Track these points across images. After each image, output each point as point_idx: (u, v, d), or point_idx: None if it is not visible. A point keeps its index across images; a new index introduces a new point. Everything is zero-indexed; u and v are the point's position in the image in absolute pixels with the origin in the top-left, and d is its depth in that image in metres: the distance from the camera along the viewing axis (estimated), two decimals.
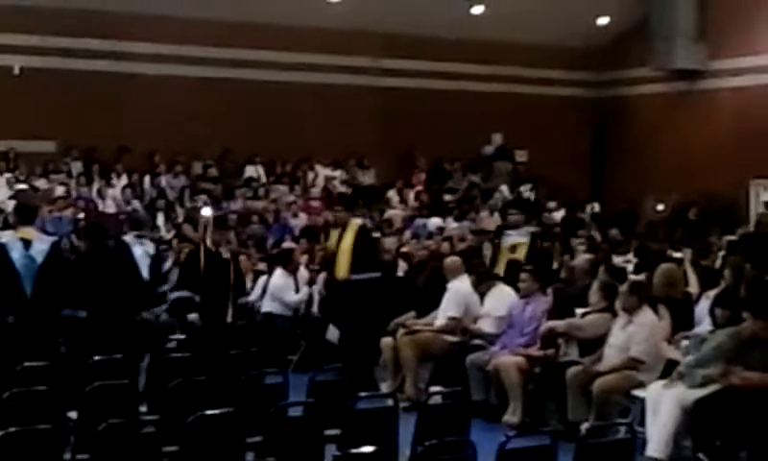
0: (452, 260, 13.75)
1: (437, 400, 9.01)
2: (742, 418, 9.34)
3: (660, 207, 25.51)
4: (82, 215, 18.78)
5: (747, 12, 25.79)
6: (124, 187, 21.81)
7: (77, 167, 22.17)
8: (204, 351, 10.86)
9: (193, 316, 12.51)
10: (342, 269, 13.63)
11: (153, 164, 22.95)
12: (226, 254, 12.92)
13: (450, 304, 13.00)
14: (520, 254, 14.26)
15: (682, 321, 11.67)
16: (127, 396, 8.50)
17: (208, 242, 12.75)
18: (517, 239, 14.49)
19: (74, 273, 11.99)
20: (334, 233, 14.10)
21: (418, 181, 25.44)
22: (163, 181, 22.53)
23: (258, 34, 24.02)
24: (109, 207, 21.03)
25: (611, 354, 10.99)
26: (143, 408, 8.88)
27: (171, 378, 8.56)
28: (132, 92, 22.86)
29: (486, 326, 12.80)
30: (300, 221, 21.46)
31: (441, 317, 13.10)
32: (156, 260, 14.95)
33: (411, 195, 24.56)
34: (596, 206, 25.32)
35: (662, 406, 10.06)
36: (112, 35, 22.79)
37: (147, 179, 22.60)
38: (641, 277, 13.08)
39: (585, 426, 9.68)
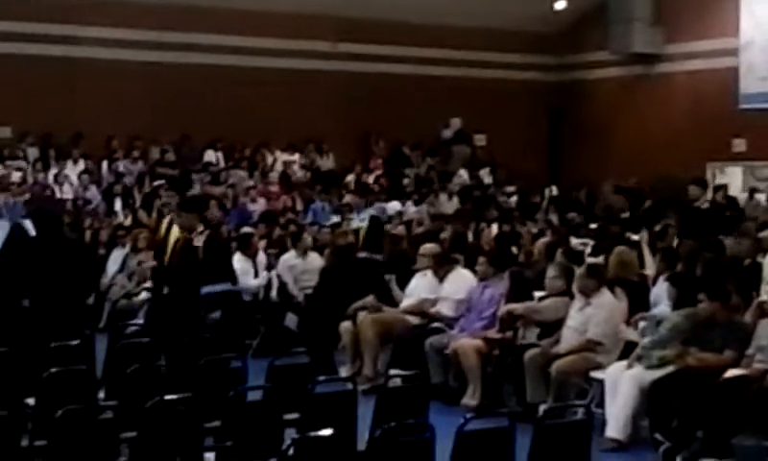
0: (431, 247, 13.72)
1: (396, 382, 9.03)
2: (698, 398, 9.42)
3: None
4: (27, 196, 18.67)
5: None
6: (81, 173, 21.67)
7: (33, 153, 22.03)
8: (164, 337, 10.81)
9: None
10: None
11: (110, 149, 22.82)
12: (197, 241, 12.56)
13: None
14: None
15: (638, 303, 11.75)
16: (84, 382, 8.45)
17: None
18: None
19: (23, 259, 11.88)
20: None
21: (376, 165, 25.44)
22: (121, 166, 22.41)
23: (217, 18, 23.92)
24: (66, 193, 20.92)
25: (568, 337, 11.05)
26: (101, 394, 8.84)
27: (129, 364, 8.52)
28: (89, 77, 22.72)
29: (445, 309, 12.83)
30: (259, 206, 21.43)
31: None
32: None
33: (370, 179, 24.56)
34: (554, 190, 25.43)
35: (621, 387, 10.14)
36: (68, 19, 22.66)
37: (104, 164, 22.47)
38: (599, 259, 13.16)
39: (543, 408, 9.73)
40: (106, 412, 7.36)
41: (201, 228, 12.28)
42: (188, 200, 13.60)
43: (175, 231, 12.32)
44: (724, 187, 22.45)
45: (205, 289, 11.97)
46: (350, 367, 12.83)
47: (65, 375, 8.32)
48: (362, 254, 14.14)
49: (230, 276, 12.59)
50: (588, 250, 15.04)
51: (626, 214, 19.28)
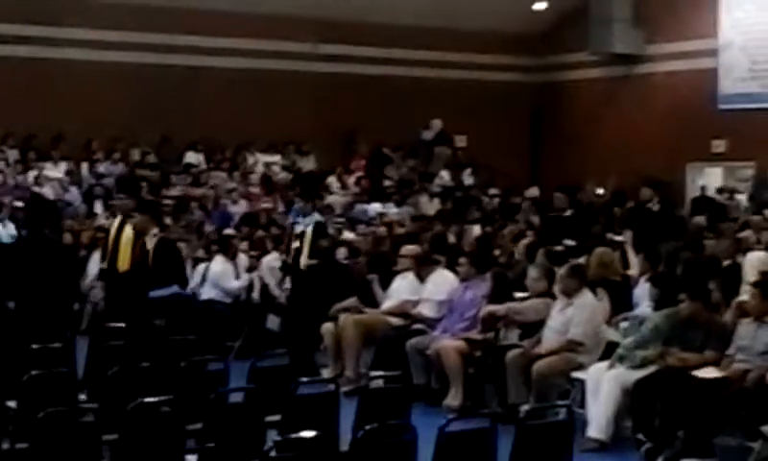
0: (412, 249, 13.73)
1: (378, 384, 9.05)
2: (679, 398, 9.45)
3: (600, 191, 25.70)
4: (20, 204, 18.61)
5: None
6: (62, 175, 21.59)
7: (13, 155, 21.93)
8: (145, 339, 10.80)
9: None
10: None
11: (90, 151, 22.76)
12: (149, 243, 12.41)
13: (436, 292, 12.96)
14: None
15: (620, 303, 11.78)
16: (66, 384, 8.43)
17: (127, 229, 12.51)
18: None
19: (9, 261, 11.87)
20: None
21: (357, 166, 25.43)
22: (101, 168, 22.35)
23: (197, 19, 23.89)
24: (47, 195, 20.83)
25: (550, 337, 11.07)
26: (83, 396, 8.82)
27: (110, 366, 8.49)
28: (69, 79, 22.67)
29: (426, 310, 12.84)
30: (240, 208, 21.40)
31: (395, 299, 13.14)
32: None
33: (351, 181, 24.55)
34: (535, 191, 25.46)
35: (603, 388, 10.16)
36: (48, 21, 22.58)
37: (84, 166, 22.40)
38: (580, 260, 13.18)
39: (524, 409, 9.75)
40: (87, 414, 7.34)
41: (155, 230, 12.31)
42: (144, 201, 13.60)
43: (127, 233, 12.38)
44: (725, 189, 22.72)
45: (153, 293, 11.99)
46: (332, 368, 12.83)
47: (47, 377, 8.30)
48: (309, 262, 14.11)
49: (180, 279, 12.48)
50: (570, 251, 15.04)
51: (567, 213, 19.21)
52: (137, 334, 10.53)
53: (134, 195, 13.90)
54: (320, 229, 14.62)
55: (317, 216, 14.88)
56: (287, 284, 14.67)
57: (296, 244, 14.44)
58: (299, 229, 14.34)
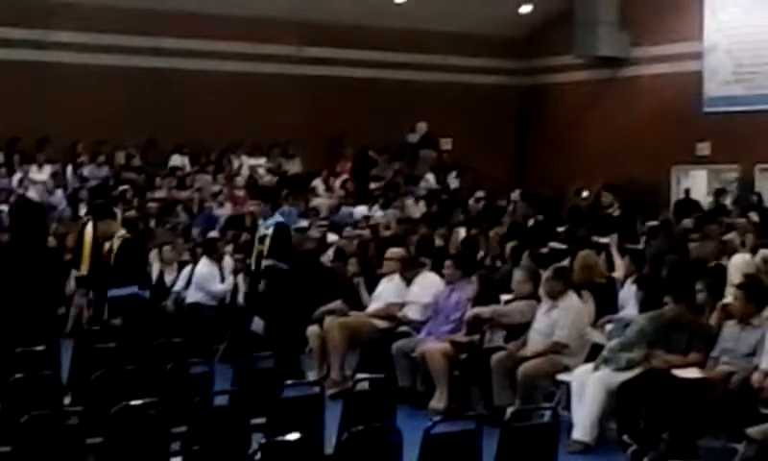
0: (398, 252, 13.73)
1: (363, 386, 9.03)
2: (664, 400, 9.47)
3: (585, 194, 25.74)
4: (5, 208, 18.57)
5: (667, 0, 26.12)
6: (50, 177, 21.56)
7: None
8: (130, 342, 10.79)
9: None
10: None
11: (75, 154, 22.71)
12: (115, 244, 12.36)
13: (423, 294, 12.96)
14: None
15: (605, 305, 11.81)
16: (50, 387, 8.40)
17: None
18: None
19: None
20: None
21: (343, 169, 25.43)
22: (86, 171, 22.30)
23: (182, 22, 23.86)
24: (32, 198, 20.77)
25: (535, 339, 11.08)
26: (67, 400, 8.79)
27: (95, 369, 8.47)
28: (54, 81, 22.62)
29: (411, 313, 12.84)
30: (226, 210, 21.37)
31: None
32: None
33: (337, 183, 24.55)
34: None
35: (588, 390, 10.18)
36: (33, 23, 22.54)
37: (69, 169, 22.36)
38: (564, 262, 13.20)
39: (510, 411, 9.74)
40: (71, 418, 7.31)
41: (121, 232, 12.33)
42: (96, 207, 13.65)
43: (87, 238, 12.54)
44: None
45: (111, 292, 12.00)
46: (318, 371, 12.82)
47: (31, 380, 8.27)
48: (267, 262, 14.07)
49: (140, 280, 12.44)
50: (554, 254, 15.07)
51: (531, 221, 19.26)
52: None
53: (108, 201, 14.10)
54: (281, 231, 14.59)
55: (278, 218, 14.86)
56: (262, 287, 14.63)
57: (259, 247, 14.42)
58: (261, 231, 14.33)
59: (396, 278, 13.19)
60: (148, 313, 12.22)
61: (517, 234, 16.50)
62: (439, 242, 16.98)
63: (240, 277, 15.41)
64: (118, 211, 14.69)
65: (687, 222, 18.95)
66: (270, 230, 13.98)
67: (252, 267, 13.81)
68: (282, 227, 14.57)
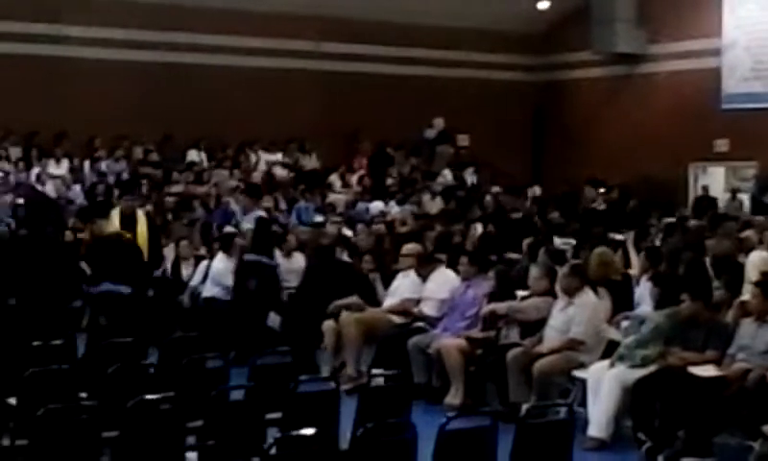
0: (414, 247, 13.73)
1: (378, 382, 9.03)
2: (680, 397, 9.45)
3: (602, 190, 25.70)
4: (21, 201, 18.64)
5: None
6: (64, 172, 21.60)
7: (15, 152, 21.93)
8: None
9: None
10: None
11: (93, 149, 22.76)
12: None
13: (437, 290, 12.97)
14: None
15: (621, 302, 11.78)
16: (66, 381, 8.43)
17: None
18: None
19: (10, 258, 11.88)
20: None
21: (360, 165, 25.43)
22: (103, 165, 22.35)
23: (200, 17, 23.89)
24: (49, 193, 20.84)
25: (551, 336, 11.07)
26: (83, 393, 8.82)
27: (111, 363, 8.50)
28: (72, 76, 22.67)
29: (427, 309, 12.84)
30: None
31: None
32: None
33: (353, 179, 24.55)
34: (537, 190, 25.46)
35: (603, 387, 10.16)
36: (51, 18, 22.60)
37: (87, 163, 22.41)
38: (580, 259, 13.17)
39: (525, 407, 9.74)
40: (87, 411, 7.34)
41: (112, 229, 12.37)
42: (85, 209, 13.77)
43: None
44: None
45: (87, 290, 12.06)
46: (331, 365, 12.82)
47: (47, 374, 8.31)
48: (249, 257, 14.07)
49: (115, 276, 12.34)
50: (571, 250, 15.04)
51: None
52: None
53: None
54: (262, 226, 14.60)
55: (259, 213, 14.87)
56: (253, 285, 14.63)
57: (241, 242, 14.43)
58: (243, 227, 14.33)
59: (412, 273, 13.19)
60: (130, 309, 12.02)
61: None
62: (456, 238, 16.97)
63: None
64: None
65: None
66: (251, 225, 14.00)
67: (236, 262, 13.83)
68: (263, 221, 14.57)
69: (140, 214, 13.68)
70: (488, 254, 14.10)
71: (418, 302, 12.97)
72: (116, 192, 18.21)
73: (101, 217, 12.72)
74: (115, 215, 13.16)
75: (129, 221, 13.17)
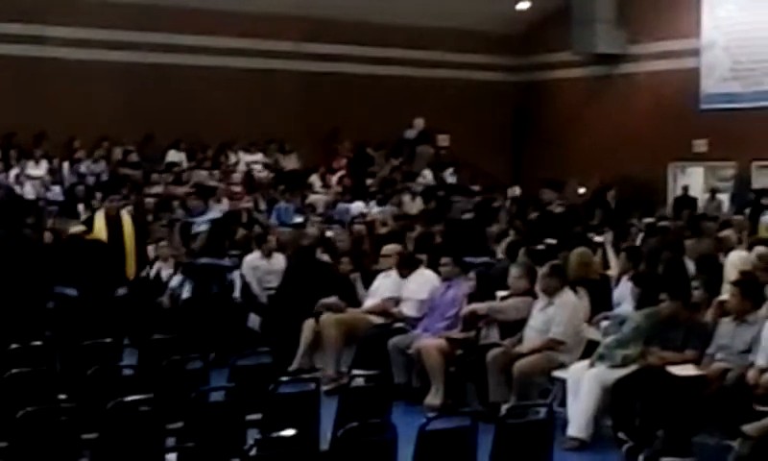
0: (394, 248, 13.73)
1: (359, 382, 9.03)
2: (659, 397, 9.47)
3: (581, 191, 25.76)
4: None
5: None
6: (43, 173, 21.54)
7: None
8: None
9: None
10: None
11: (72, 150, 22.70)
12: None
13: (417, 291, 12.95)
14: None
15: (599, 302, 11.80)
16: (45, 383, 8.40)
17: None
18: None
19: None
20: None
21: (340, 165, 25.42)
22: (83, 166, 22.29)
23: (179, 18, 23.86)
24: (28, 194, 20.78)
25: (531, 336, 11.08)
26: (62, 395, 8.78)
27: (90, 365, 8.47)
28: (52, 77, 22.61)
29: (407, 309, 12.84)
30: (223, 206, 21.33)
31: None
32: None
33: (333, 180, 24.54)
34: (517, 190, 25.49)
35: (583, 387, 10.18)
36: (31, 19, 22.53)
37: (66, 164, 22.34)
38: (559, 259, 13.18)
39: (505, 407, 9.75)
40: (66, 413, 7.32)
41: (75, 230, 12.30)
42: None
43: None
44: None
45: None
46: (299, 361, 12.80)
47: (26, 376, 8.27)
48: (203, 260, 14.03)
49: (67, 279, 12.20)
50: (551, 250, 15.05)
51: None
52: None
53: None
54: (217, 226, 14.56)
55: (214, 214, 14.82)
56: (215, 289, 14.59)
57: (195, 243, 14.40)
58: (196, 228, 14.29)
59: (393, 274, 13.19)
60: (79, 312, 11.87)
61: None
62: (437, 238, 16.95)
63: (236, 272, 15.40)
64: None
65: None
66: (204, 227, 13.94)
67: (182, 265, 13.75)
68: (219, 222, 14.51)
69: (125, 215, 13.54)
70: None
71: (398, 302, 12.98)
72: (98, 194, 18.17)
73: (69, 217, 12.66)
74: (100, 217, 13.05)
75: (114, 223, 13.04)
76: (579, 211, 18.76)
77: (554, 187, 16.86)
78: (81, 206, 20.35)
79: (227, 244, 15.27)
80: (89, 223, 13.02)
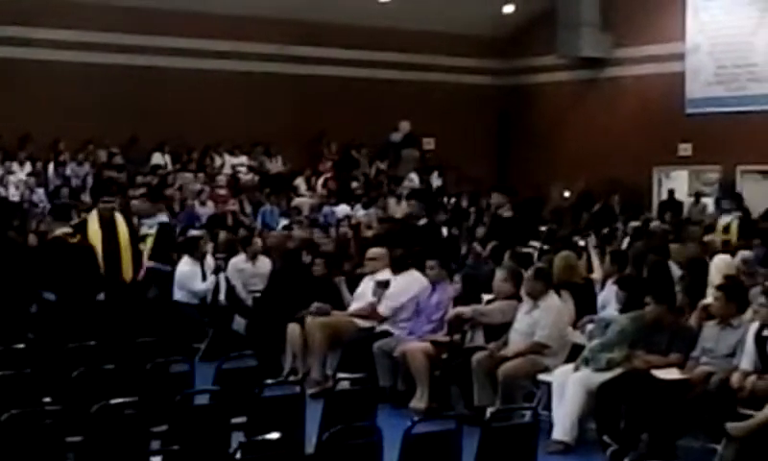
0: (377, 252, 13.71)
1: (344, 386, 9.02)
2: (644, 401, 9.49)
3: (567, 194, 25.82)
4: None
5: (649, 1, 26.19)
6: (27, 175, 21.50)
7: None
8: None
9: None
10: None
11: (57, 152, 22.65)
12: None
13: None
14: None
15: (584, 306, 11.82)
16: (30, 385, 8.37)
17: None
18: None
19: None
20: None
21: (325, 168, 25.42)
22: (68, 169, 22.24)
23: (165, 20, 23.84)
24: (12, 196, 20.73)
25: (516, 340, 11.09)
26: (47, 398, 8.76)
27: (75, 368, 8.45)
28: (36, 79, 22.58)
29: (383, 308, 12.79)
30: (208, 209, 21.34)
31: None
32: None
33: (319, 183, 24.54)
34: None
35: (568, 390, 10.19)
36: (16, 21, 22.48)
37: (51, 166, 22.30)
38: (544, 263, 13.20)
39: (490, 411, 9.75)
40: (51, 416, 7.29)
41: (58, 232, 12.18)
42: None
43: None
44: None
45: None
46: (290, 364, 12.80)
47: (10, 379, 8.25)
48: (149, 264, 13.95)
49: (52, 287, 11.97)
50: (536, 253, 15.09)
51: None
52: None
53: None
54: (164, 230, 14.49)
55: (162, 218, 14.75)
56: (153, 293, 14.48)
57: (143, 246, 14.33)
58: (143, 230, 14.21)
59: (378, 277, 13.17)
60: (58, 316, 11.69)
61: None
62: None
63: (221, 275, 15.39)
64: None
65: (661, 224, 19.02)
66: (153, 230, 13.85)
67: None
68: (167, 227, 14.39)
69: (119, 218, 13.02)
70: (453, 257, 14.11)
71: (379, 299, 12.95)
72: (86, 196, 18.09)
73: (57, 219, 12.49)
74: (93, 219, 12.68)
75: (108, 225, 12.60)
76: (530, 217, 18.74)
77: (504, 191, 16.79)
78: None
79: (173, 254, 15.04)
80: (82, 226, 12.65)
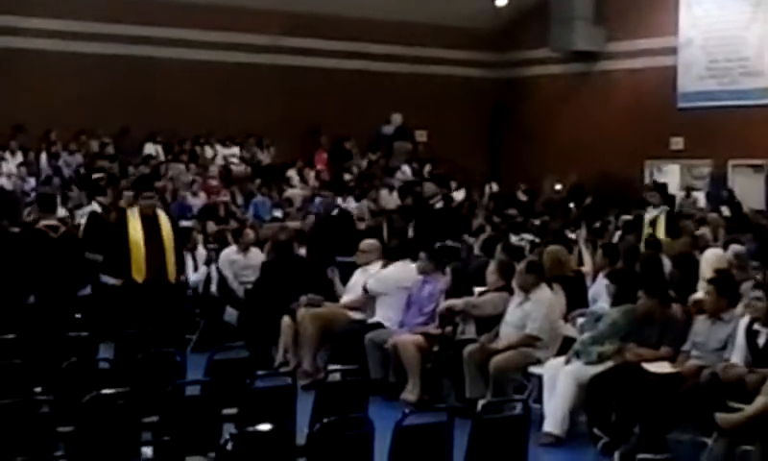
0: (369, 244, 13.70)
1: (335, 377, 9.02)
2: (635, 394, 9.51)
3: (558, 187, 25.84)
4: None
5: None
6: (19, 165, 21.47)
7: None
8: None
9: None
10: None
11: (49, 142, 22.62)
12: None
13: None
14: None
15: (574, 299, 11.83)
16: (21, 376, 8.37)
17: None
18: None
19: None
20: None
21: (318, 159, 25.41)
22: (60, 159, 22.21)
23: (158, 10, 23.81)
24: (4, 185, 20.71)
25: (507, 332, 11.09)
26: (37, 388, 8.76)
27: (66, 358, 8.45)
28: (29, 69, 22.55)
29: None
30: (200, 200, 21.33)
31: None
32: None
33: (311, 174, 24.53)
34: (494, 186, 25.53)
35: (559, 383, 10.20)
36: (8, 10, 22.43)
37: (43, 156, 22.27)
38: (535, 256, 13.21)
39: (481, 403, 9.75)
40: (42, 406, 7.30)
41: (42, 224, 12.03)
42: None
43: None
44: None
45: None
46: (281, 357, 12.80)
47: (2, 369, 8.24)
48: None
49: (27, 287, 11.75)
50: (528, 246, 15.10)
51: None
52: None
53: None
54: (93, 221, 14.40)
55: (92, 207, 14.66)
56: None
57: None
58: (77, 220, 14.10)
59: (370, 269, 13.16)
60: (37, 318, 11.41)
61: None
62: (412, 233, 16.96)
63: (213, 266, 15.38)
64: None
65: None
66: (83, 220, 13.72)
67: None
68: (94, 216, 14.25)
69: (162, 215, 12.42)
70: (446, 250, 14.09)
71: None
72: (74, 188, 17.96)
73: (42, 210, 12.33)
74: (134, 215, 12.15)
75: (151, 223, 12.07)
76: (464, 209, 18.72)
77: (437, 182, 16.73)
78: (58, 198, 20.30)
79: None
80: (122, 223, 12.19)
